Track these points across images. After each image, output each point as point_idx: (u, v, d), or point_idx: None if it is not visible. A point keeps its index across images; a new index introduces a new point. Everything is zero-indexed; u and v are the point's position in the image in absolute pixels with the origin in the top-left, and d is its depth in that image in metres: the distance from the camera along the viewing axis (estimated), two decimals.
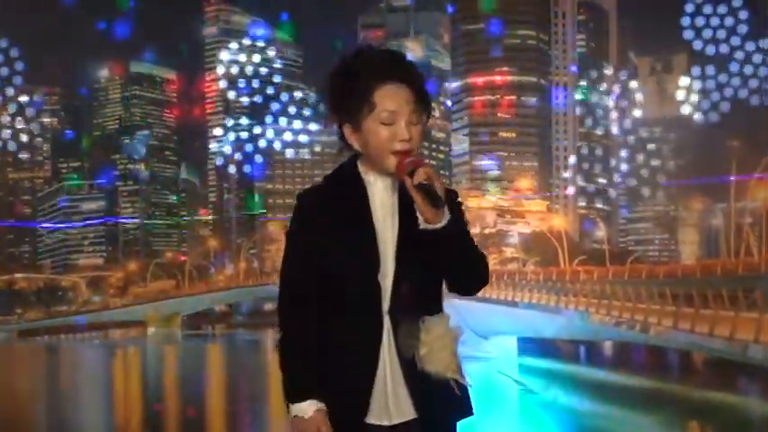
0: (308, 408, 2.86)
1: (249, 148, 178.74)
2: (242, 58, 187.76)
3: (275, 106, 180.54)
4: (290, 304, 2.92)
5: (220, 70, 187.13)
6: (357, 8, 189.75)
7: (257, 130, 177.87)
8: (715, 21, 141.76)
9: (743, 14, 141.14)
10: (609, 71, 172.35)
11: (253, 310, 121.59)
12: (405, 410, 2.85)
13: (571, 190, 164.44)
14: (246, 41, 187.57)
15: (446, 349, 2.83)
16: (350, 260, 2.86)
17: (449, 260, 2.81)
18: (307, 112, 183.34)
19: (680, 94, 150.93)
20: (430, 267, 2.85)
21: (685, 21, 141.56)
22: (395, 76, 2.86)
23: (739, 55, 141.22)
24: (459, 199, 2.97)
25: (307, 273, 2.89)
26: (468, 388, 2.92)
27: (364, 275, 2.86)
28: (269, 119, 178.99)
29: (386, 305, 2.86)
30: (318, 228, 2.89)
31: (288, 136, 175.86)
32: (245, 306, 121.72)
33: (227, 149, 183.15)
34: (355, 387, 2.85)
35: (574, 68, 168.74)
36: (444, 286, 2.96)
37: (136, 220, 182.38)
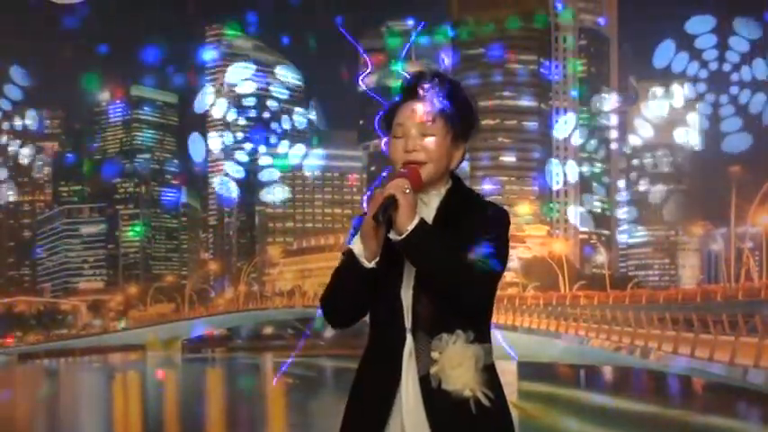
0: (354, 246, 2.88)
1: (250, 171, 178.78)
2: (243, 81, 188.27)
3: (276, 129, 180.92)
4: None
5: (222, 93, 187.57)
6: (359, 31, 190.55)
7: (258, 153, 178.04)
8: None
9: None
10: (609, 96, 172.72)
11: (252, 334, 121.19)
12: (420, 429, 2.83)
13: (571, 215, 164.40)
14: (248, 65, 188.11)
15: (462, 367, 2.80)
16: (378, 275, 2.90)
17: (422, 274, 2.83)
18: (307, 136, 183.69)
19: (680, 119, 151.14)
20: None
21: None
22: (410, 93, 2.99)
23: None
24: (497, 214, 2.93)
25: None
26: (503, 404, 2.89)
27: (387, 290, 2.90)
28: (270, 142, 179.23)
29: (408, 322, 2.88)
30: None
31: (288, 160, 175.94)
32: (245, 330, 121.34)
33: (228, 172, 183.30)
34: (376, 402, 2.88)
35: (574, 93, 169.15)
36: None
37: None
